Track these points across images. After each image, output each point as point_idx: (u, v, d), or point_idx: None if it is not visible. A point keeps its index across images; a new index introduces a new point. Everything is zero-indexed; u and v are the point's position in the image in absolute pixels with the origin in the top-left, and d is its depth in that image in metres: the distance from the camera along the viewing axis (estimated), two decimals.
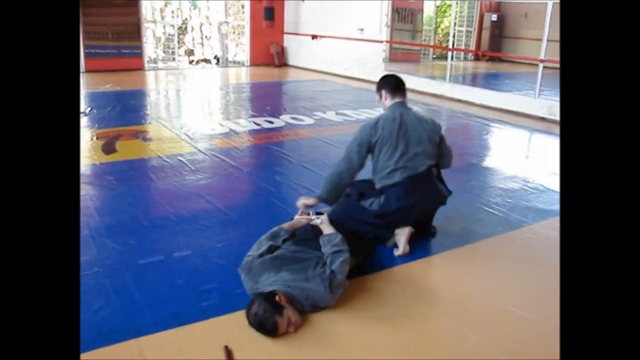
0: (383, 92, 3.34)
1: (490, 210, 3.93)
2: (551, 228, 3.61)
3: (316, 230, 2.90)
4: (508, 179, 4.69)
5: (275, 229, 2.91)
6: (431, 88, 9.56)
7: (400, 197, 3.09)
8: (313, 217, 3.02)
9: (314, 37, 12.43)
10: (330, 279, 2.43)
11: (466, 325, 2.44)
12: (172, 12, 13.39)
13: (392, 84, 3.33)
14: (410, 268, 3.01)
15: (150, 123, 6.56)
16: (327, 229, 2.87)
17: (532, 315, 2.54)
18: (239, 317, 2.39)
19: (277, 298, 2.31)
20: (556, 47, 7.42)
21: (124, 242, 3.17)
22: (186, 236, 3.29)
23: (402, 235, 3.15)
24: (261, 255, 2.65)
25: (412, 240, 3.17)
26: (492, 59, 16.19)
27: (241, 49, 14.10)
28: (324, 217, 2.99)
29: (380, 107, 3.44)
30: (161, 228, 3.41)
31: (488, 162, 5.37)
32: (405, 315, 2.52)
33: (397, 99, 3.29)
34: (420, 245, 3.26)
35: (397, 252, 3.12)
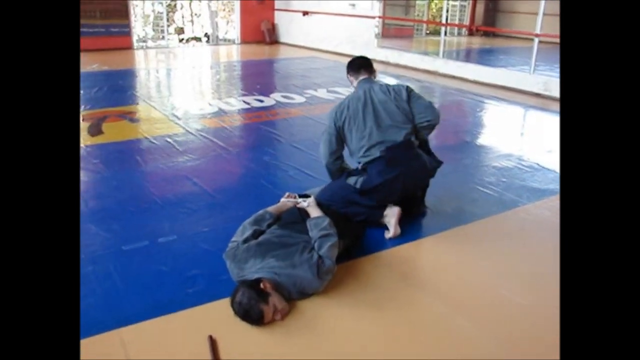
0: (349, 76, 3.34)
1: (484, 189, 3.85)
2: (546, 208, 3.54)
3: (303, 214, 2.82)
4: (502, 157, 4.61)
5: (260, 212, 2.82)
6: (424, 64, 9.42)
7: (381, 170, 3.01)
8: (299, 199, 2.94)
9: (305, 13, 12.21)
10: (318, 264, 2.35)
11: (457, 311, 2.38)
12: None
13: (354, 65, 3.31)
14: (400, 251, 2.94)
15: (138, 103, 6.41)
16: (314, 211, 2.79)
17: (525, 300, 2.49)
18: (224, 305, 2.32)
19: (262, 285, 2.24)
20: (552, 21, 7.30)
21: (108, 227, 3.09)
22: (172, 220, 3.21)
23: (391, 217, 3.07)
24: (246, 241, 2.57)
25: (402, 222, 3.10)
26: (486, 34, 15.99)
27: (232, 27, 13.84)
28: (311, 199, 2.92)
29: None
30: (146, 212, 3.32)
31: (482, 140, 5.29)
32: (393, 300, 2.46)
33: (361, 77, 3.25)
34: (412, 227, 3.19)
35: (388, 234, 3.05)
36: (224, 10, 14.16)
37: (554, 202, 3.65)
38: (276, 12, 13.29)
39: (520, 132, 6.03)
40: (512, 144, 5.16)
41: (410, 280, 2.64)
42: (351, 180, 3.12)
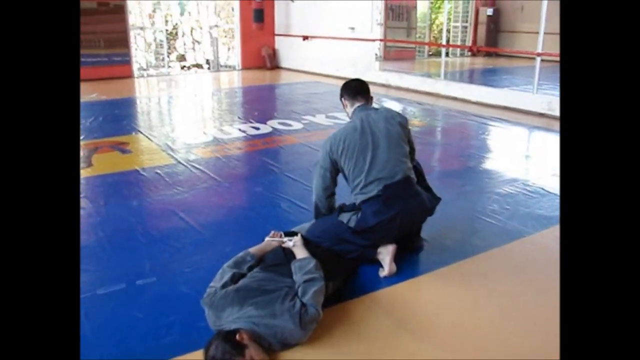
0: (344, 100, 3.09)
1: (486, 219, 3.64)
2: (552, 238, 3.32)
3: (288, 254, 2.62)
4: (507, 183, 4.40)
5: (240, 254, 2.63)
6: (426, 86, 9.27)
7: (377, 211, 2.78)
8: (285, 239, 2.74)
9: (305, 38, 12.15)
10: (300, 313, 2.14)
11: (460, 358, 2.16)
12: (163, 17, 13.14)
13: (350, 88, 3.05)
14: (396, 291, 2.72)
15: (132, 134, 6.28)
16: (300, 252, 2.59)
17: (533, 344, 2.26)
18: (199, 357, 2.12)
19: (238, 337, 2.03)
20: (553, 39, 7.15)
21: (84, 268, 2.89)
22: (153, 260, 3.02)
23: (386, 255, 2.86)
24: (224, 286, 2.37)
25: (398, 257, 2.90)
26: (488, 54, 15.89)
27: (233, 53, 13.82)
28: (297, 239, 2.71)
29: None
30: (127, 250, 3.14)
31: (485, 164, 5.08)
32: (387, 352, 2.23)
33: (358, 103, 3.00)
34: (408, 263, 2.98)
35: (383, 272, 2.83)
36: (225, 36, 14.16)
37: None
38: (276, 38, 13.26)
39: (525, 154, 5.81)
40: (516, 168, 4.95)
41: (406, 326, 2.41)
42: (344, 217, 2.91)
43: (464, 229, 3.47)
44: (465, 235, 3.38)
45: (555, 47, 9.11)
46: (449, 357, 2.17)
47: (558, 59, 8.35)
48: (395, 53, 14.04)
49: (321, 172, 2.94)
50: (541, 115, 7.28)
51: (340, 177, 3.00)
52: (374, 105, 3.13)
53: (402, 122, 2.98)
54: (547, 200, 4.03)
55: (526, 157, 5.60)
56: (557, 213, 3.73)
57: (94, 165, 4.86)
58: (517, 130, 6.70)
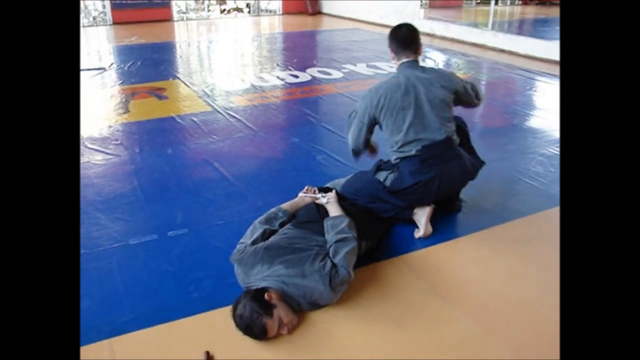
0: (391, 51, 2.84)
1: (529, 181, 3.48)
2: None
3: (321, 211, 2.55)
4: (552, 143, 4.18)
5: (272, 210, 2.57)
6: (472, 37, 8.85)
7: (415, 171, 2.66)
8: (319, 195, 2.66)
9: None
10: (330, 275, 2.09)
11: (491, 332, 2.08)
12: None
13: (397, 39, 2.77)
14: (430, 253, 2.64)
15: (170, 79, 6.23)
16: (333, 210, 2.51)
17: None
18: (227, 315, 2.11)
19: (266, 296, 2.00)
20: None
21: (119, 217, 2.92)
22: (185, 211, 3.01)
23: (422, 215, 2.77)
24: (254, 242, 2.33)
25: (434, 218, 2.80)
26: (542, 3, 15.06)
27: None
28: (331, 195, 2.63)
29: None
30: (160, 201, 3.14)
31: (531, 122, 4.83)
32: (418, 316, 2.17)
33: (405, 59, 2.77)
34: (444, 225, 2.89)
35: (418, 233, 2.75)
36: None
37: None
38: None
39: None
40: None
41: (438, 291, 2.34)
42: (381, 176, 2.80)
43: (504, 191, 3.33)
44: (506, 198, 3.24)
45: None
46: (484, 328, 2.10)
47: None
48: (441, 1, 13.46)
49: (359, 126, 2.80)
50: None
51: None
52: (422, 63, 2.92)
53: (448, 85, 2.77)
54: None
55: None
56: None
57: (130, 112, 4.86)
58: None
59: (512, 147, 4.09)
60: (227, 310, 2.14)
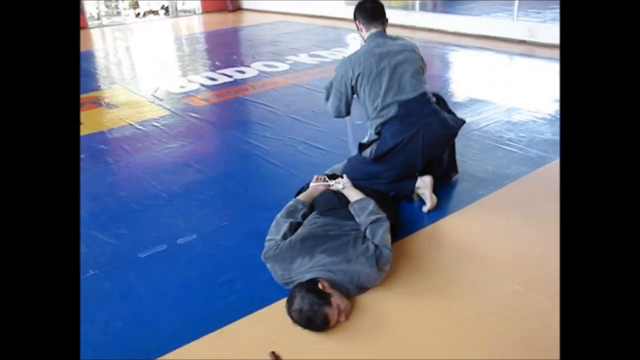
0: (357, 22, 2.92)
1: (506, 147, 3.62)
2: None
3: (340, 197, 2.53)
4: (513, 111, 4.38)
5: (290, 203, 2.52)
6: (400, 19, 9.03)
7: (395, 131, 2.74)
8: (331, 182, 2.64)
9: None
10: (376, 255, 2.08)
11: (530, 287, 2.16)
12: None
13: (366, 12, 2.86)
14: (444, 225, 2.70)
15: (109, 87, 5.92)
16: (353, 194, 2.50)
17: None
18: (276, 311, 2.05)
19: (320, 286, 1.96)
20: None
21: (116, 232, 2.74)
22: (185, 216, 2.88)
23: (425, 188, 2.82)
24: (284, 237, 2.27)
25: (436, 192, 2.85)
26: None
27: None
28: (346, 180, 2.62)
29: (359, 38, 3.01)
30: (154, 209, 2.98)
31: (484, 94, 5.02)
32: (457, 283, 2.21)
33: (374, 29, 2.85)
34: (447, 197, 2.96)
35: (425, 207, 2.80)
36: None
37: None
38: None
39: (519, 82, 5.80)
40: (516, 96, 4.92)
41: (466, 258, 2.39)
42: (366, 153, 2.85)
43: (488, 160, 3.44)
44: (492, 166, 3.35)
45: None
46: (523, 284, 2.17)
47: None
48: None
49: (338, 96, 2.88)
50: (522, 42, 7.24)
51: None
52: (390, 33, 2.98)
53: (417, 51, 2.92)
54: (556, 125, 4.04)
55: (521, 85, 5.57)
56: None
57: (83, 124, 4.57)
58: (502, 58, 6.66)
59: (477, 118, 4.24)
60: (271, 309, 2.09)
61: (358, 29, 2.94)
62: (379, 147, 2.78)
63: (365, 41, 2.91)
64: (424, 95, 2.79)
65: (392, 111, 2.74)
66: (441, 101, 3.01)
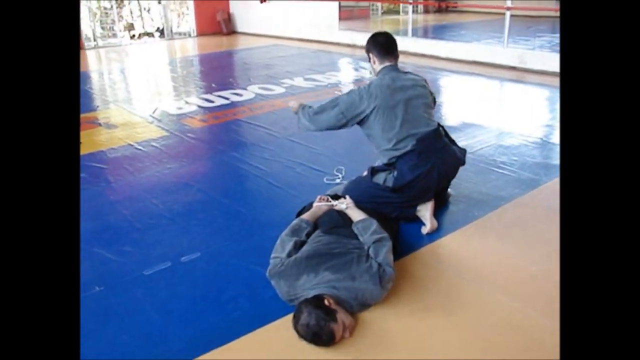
0: (371, 55, 3.01)
1: (499, 170, 3.72)
2: None
3: (343, 217, 2.60)
4: (506, 135, 4.50)
5: (295, 222, 2.58)
6: None
7: (413, 165, 2.81)
8: (334, 202, 2.71)
9: (262, 0, 11.80)
10: (379, 274, 2.14)
11: (528, 305, 2.22)
12: None
13: (380, 45, 2.97)
14: (443, 245, 2.77)
15: (107, 108, 5.98)
16: (356, 214, 2.57)
17: None
18: (281, 326, 2.10)
19: (326, 302, 2.01)
20: None
21: (120, 250, 2.78)
22: (188, 234, 2.92)
23: (425, 211, 2.90)
24: (289, 255, 2.33)
25: (434, 214, 2.93)
26: (439, 11, 16.01)
27: (184, 20, 13.29)
28: (349, 200, 2.69)
29: (370, 70, 3.14)
30: (157, 228, 3.02)
31: (475, 118, 5.14)
32: (459, 302, 2.28)
33: (387, 62, 2.95)
34: (443, 218, 3.03)
35: (425, 229, 2.86)
36: (173, 3, 13.55)
37: None
38: (231, 1, 12.83)
39: (510, 107, 5.95)
40: (508, 121, 5.06)
41: (466, 276, 2.46)
42: (379, 179, 2.91)
43: (482, 182, 3.53)
44: (487, 188, 3.44)
45: (519, 2, 9.28)
46: (521, 303, 2.24)
47: (521, 12, 8.52)
48: (347, 12, 13.90)
49: (339, 117, 2.89)
50: (512, 68, 7.43)
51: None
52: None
53: (427, 86, 3.04)
54: (548, 149, 4.17)
55: (514, 110, 5.72)
56: None
57: (83, 143, 4.61)
58: (494, 84, 6.83)
59: (470, 142, 4.34)
60: (277, 325, 2.13)
61: (371, 60, 3.02)
62: (398, 180, 2.84)
63: (377, 74, 2.99)
64: (437, 130, 2.90)
65: (408, 145, 2.81)
66: (444, 132, 3.12)
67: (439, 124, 3.00)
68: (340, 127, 2.96)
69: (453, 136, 3.19)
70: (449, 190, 3.29)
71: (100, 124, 5.24)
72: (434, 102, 3.16)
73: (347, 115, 2.89)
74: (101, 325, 2.17)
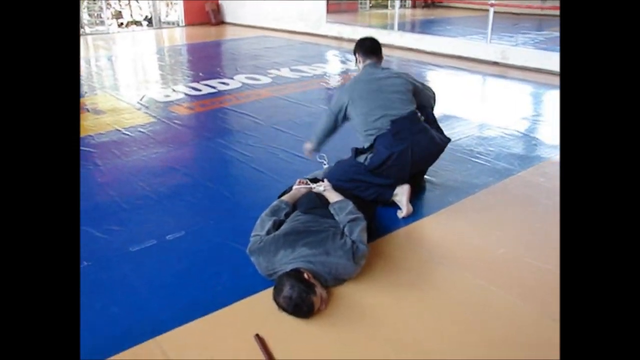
0: (357, 56, 3.32)
1: (476, 160, 3.88)
2: (539, 175, 3.61)
3: (321, 198, 2.73)
4: (484, 127, 4.67)
5: (275, 203, 2.71)
6: (380, 38, 9.30)
7: (388, 144, 2.98)
8: (313, 185, 2.85)
9: None
10: (353, 250, 2.28)
11: (493, 283, 2.38)
12: None
13: (365, 47, 3.29)
14: (417, 228, 2.91)
15: (96, 94, 6.05)
16: (333, 196, 2.71)
17: (550, 266, 2.51)
18: (260, 300, 2.23)
19: (305, 276, 2.14)
20: None
21: (108, 228, 2.89)
22: (173, 215, 3.04)
23: (402, 195, 3.04)
24: (268, 233, 2.46)
25: (410, 199, 3.07)
26: (427, 5, 16.16)
27: (172, 9, 13.30)
28: (327, 183, 2.83)
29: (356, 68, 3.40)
30: (143, 209, 3.13)
31: (457, 110, 5.30)
32: (428, 279, 2.43)
33: (369, 60, 3.24)
34: (419, 203, 3.17)
35: (401, 213, 3.01)
36: None
37: (545, 168, 3.73)
38: None
39: (491, 101, 6.12)
40: (487, 113, 5.22)
41: (436, 257, 2.61)
42: (361, 159, 3.09)
43: (459, 170, 3.68)
44: (463, 176, 3.59)
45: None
46: (486, 280, 2.39)
47: (507, 9, 8.69)
48: (338, 6, 14.00)
49: (330, 116, 3.19)
50: (495, 63, 7.60)
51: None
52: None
53: (404, 76, 3.25)
54: (524, 141, 4.33)
55: (493, 103, 5.89)
56: (536, 153, 4.05)
57: None
58: (476, 78, 6.99)
59: (450, 132, 4.45)
60: (257, 297, 2.26)
61: (357, 60, 3.32)
62: (373, 159, 3.02)
63: (359, 71, 3.27)
64: (413, 113, 3.06)
65: (384, 125, 3.00)
66: (433, 120, 3.27)
67: (418, 110, 3.14)
68: (334, 126, 3.21)
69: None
70: (425, 177, 3.44)
71: (87, 110, 5.31)
72: (434, 98, 3.40)
73: (334, 110, 3.16)
74: (90, 298, 2.27)
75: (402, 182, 3.05)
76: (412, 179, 3.16)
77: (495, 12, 7.83)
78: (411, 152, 2.98)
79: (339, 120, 3.18)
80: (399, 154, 2.96)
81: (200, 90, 6.10)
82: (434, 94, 3.43)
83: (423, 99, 3.27)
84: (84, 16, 12.54)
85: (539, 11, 12.29)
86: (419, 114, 3.11)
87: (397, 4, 9.92)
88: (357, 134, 3.18)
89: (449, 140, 3.24)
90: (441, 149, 3.19)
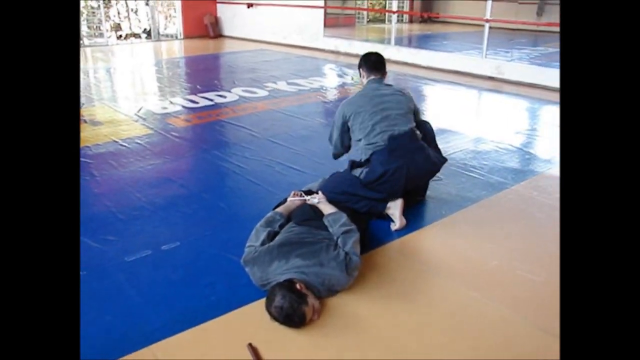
0: (361, 71, 3.37)
1: (470, 174, 3.92)
2: (532, 188, 3.65)
3: (315, 210, 2.76)
4: (478, 141, 4.71)
5: (269, 214, 2.74)
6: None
7: (383, 160, 3.03)
8: (307, 197, 2.88)
9: (249, 5, 11.98)
10: (346, 261, 2.31)
11: (486, 295, 2.40)
12: None
13: (370, 62, 3.34)
14: (410, 240, 2.94)
15: (94, 105, 6.09)
16: (327, 208, 2.74)
17: (541, 278, 2.54)
18: (253, 310, 2.25)
19: (297, 286, 2.17)
20: (496, 6, 7.54)
21: (103, 239, 2.91)
22: (169, 226, 3.06)
23: (395, 209, 3.07)
24: (263, 244, 2.48)
25: (404, 211, 3.10)
26: (423, 20, 16.33)
27: (171, 22, 13.41)
28: (321, 196, 2.86)
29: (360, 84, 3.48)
30: (139, 219, 3.15)
31: (452, 124, 5.35)
32: (422, 291, 2.45)
33: (373, 76, 3.29)
34: (413, 216, 3.20)
35: (394, 226, 3.04)
36: (161, 5, 13.66)
37: (538, 182, 3.77)
38: (219, 5, 12.97)
39: (486, 115, 6.18)
40: (482, 128, 5.27)
41: (431, 269, 2.63)
42: (356, 172, 3.12)
43: (453, 184, 3.72)
44: (457, 190, 3.63)
45: (497, 14, 9.57)
46: (479, 292, 2.41)
47: (503, 25, 8.80)
48: (335, 20, 14.14)
49: (337, 131, 3.28)
50: (490, 78, 7.68)
51: None
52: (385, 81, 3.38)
53: (406, 94, 3.30)
54: (518, 155, 4.38)
55: (488, 118, 5.95)
56: (530, 167, 4.09)
57: None
58: (472, 92, 7.06)
59: (445, 146, 4.51)
60: (250, 308, 2.28)
61: (360, 75, 3.38)
62: (369, 174, 3.07)
63: (363, 86, 3.33)
64: (412, 131, 3.12)
65: (382, 141, 3.06)
66: (431, 138, 3.33)
67: (418, 128, 3.19)
68: (347, 139, 3.27)
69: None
70: (427, 193, 3.48)
71: (85, 121, 5.34)
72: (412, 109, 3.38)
73: (337, 124, 3.24)
74: (84, 306, 2.27)
75: (395, 197, 3.07)
76: (406, 194, 3.19)
77: (490, 28, 7.94)
78: (406, 169, 3.02)
79: (344, 133, 3.25)
80: (394, 171, 3.00)
81: (197, 102, 6.14)
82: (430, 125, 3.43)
83: (417, 115, 3.34)
84: (84, 28, 12.64)
85: (534, 27, 12.44)
86: (418, 132, 3.16)
87: (394, 18, 10.02)
88: (355, 146, 3.24)
89: (445, 160, 3.29)
90: (437, 169, 3.24)
